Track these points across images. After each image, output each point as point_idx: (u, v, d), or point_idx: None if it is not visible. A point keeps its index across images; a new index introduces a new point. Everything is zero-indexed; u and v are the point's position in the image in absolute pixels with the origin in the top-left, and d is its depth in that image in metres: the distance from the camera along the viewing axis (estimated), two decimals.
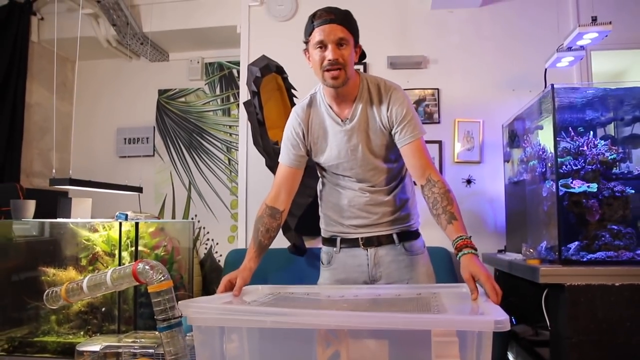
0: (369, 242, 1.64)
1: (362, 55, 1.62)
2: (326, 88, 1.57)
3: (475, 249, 1.42)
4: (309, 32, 1.50)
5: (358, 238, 1.65)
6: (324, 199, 1.74)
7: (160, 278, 1.09)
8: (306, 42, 1.52)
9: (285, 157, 1.65)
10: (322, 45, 1.47)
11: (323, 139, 1.61)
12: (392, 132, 1.56)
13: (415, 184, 1.63)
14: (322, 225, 1.77)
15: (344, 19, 1.49)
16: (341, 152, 1.58)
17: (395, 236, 1.64)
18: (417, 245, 1.69)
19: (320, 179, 1.77)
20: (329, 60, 1.46)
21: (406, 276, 1.64)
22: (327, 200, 1.71)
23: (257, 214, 1.64)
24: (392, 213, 1.64)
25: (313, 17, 1.50)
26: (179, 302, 1.02)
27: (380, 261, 1.64)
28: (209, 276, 3.82)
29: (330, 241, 1.73)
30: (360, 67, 3.14)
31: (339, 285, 1.66)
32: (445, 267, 2.73)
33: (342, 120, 1.58)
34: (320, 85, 1.61)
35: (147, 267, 1.10)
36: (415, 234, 1.71)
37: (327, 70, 1.47)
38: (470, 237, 1.47)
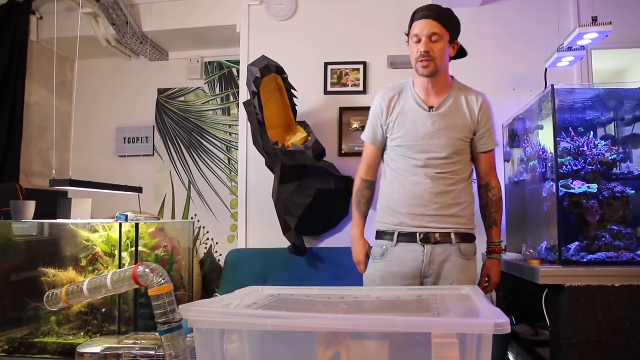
0: (427, 239, 1.69)
1: (462, 52, 1.80)
2: (418, 78, 1.75)
3: (500, 254, 1.79)
4: (409, 26, 1.70)
5: (416, 233, 1.69)
6: (386, 188, 1.80)
7: (161, 281, 1.09)
8: (407, 35, 1.71)
9: (367, 134, 1.84)
10: (418, 39, 1.64)
11: (403, 120, 1.74)
12: (475, 135, 1.74)
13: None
14: (378, 218, 1.81)
15: (441, 16, 1.65)
16: (421, 134, 1.70)
17: (453, 235, 1.69)
18: (471, 250, 1.75)
19: (384, 170, 1.83)
20: (421, 52, 1.63)
21: (453, 277, 1.68)
22: (390, 189, 1.77)
23: (354, 187, 1.86)
24: (453, 207, 1.69)
25: (415, 13, 1.69)
26: (180, 306, 1.02)
27: (435, 259, 1.69)
28: (208, 276, 3.82)
29: (386, 234, 1.76)
30: (361, 67, 3.14)
31: (391, 278, 1.71)
32: None
33: (428, 108, 1.72)
34: (413, 77, 1.79)
35: (147, 270, 1.09)
36: (472, 238, 1.76)
37: (419, 61, 1.65)
38: (501, 242, 1.79)
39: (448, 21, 1.67)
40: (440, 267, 1.69)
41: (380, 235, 1.80)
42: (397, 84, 1.84)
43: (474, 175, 1.87)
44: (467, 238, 1.73)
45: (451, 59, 1.77)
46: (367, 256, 1.82)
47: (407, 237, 1.71)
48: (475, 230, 1.81)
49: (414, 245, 1.70)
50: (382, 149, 1.83)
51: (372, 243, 1.88)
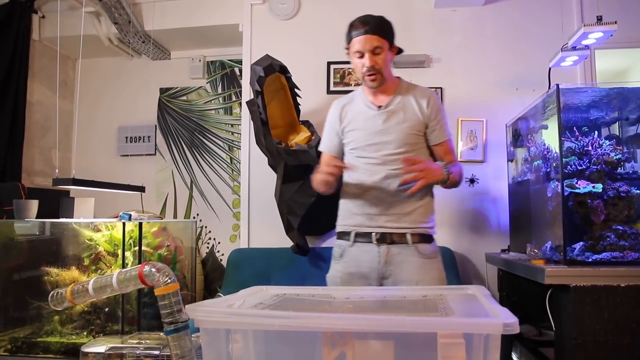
0: (382, 239, 1.69)
1: (399, 51, 1.81)
2: (363, 84, 1.78)
3: (448, 172, 1.69)
4: (348, 40, 1.73)
5: (372, 233, 1.70)
6: (344, 190, 1.81)
7: (167, 281, 1.08)
8: (347, 49, 1.74)
9: (324, 143, 1.89)
10: (360, 54, 1.68)
11: (356, 122, 1.78)
12: (428, 129, 1.76)
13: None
14: (339, 221, 1.83)
15: (378, 28, 1.68)
16: (372, 133, 1.74)
17: (408, 236, 1.68)
18: (430, 249, 1.73)
19: (343, 176, 1.83)
20: (367, 67, 1.67)
21: (415, 278, 1.67)
22: (348, 192, 1.78)
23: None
24: (410, 204, 1.70)
25: (351, 27, 1.71)
26: (186, 306, 1.02)
27: (392, 260, 1.69)
28: (210, 275, 3.81)
29: (344, 234, 1.78)
30: None
31: (349, 279, 1.71)
32: (450, 268, 2.72)
33: (377, 107, 1.76)
34: (361, 86, 1.85)
35: (153, 269, 1.09)
36: (429, 238, 1.75)
37: (367, 75, 1.69)
38: (450, 171, 1.70)
39: (385, 31, 1.71)
40: (399, 268, 1.68)
41: (339, 236, 1.82)
42: (349, 94, 1.90)
43: None
44: (425, 238, 1.73)
45: None
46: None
47: (364, 237, 1.72)
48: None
49: (369, 246, 1.70)
50: (340, 157, 1.87)
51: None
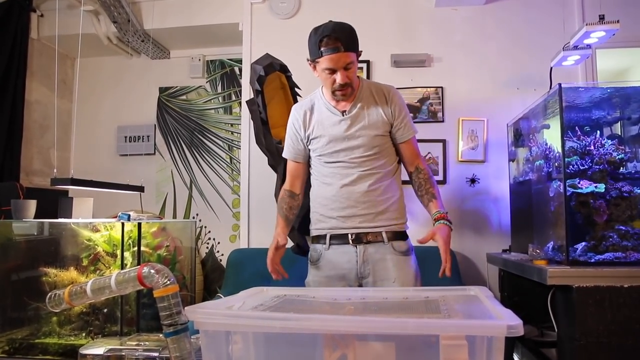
0: (358, 239, 1.70)
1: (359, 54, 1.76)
2: (327, 90, 1.74)
3: (450, 222, 1.68)
4: (316, 55, 1.64)
5: (347, 234, 1.71)
6: (315, 195, 1.82)
7: (166, 282, 1.07)
8: (312, 61, 1.67)
9: (287, 150, 1.87)
10: (332, 71, 1.64)
11: (321, 129, 1.76)
12: (392, 127, 1.75)
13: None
14: (312, 225, 1.84)
15: (349, 43, 1.63)
16: (339, 139, 1.73)
17: (384, 234, 1.70)
18: (405, 246, 1.75)
19: (312, 181, 1.86)
20: (340, 84, 1.65)
21: (393, 275, 1.69)
22: (318, 195, 1.79)
23: (279, 197, 1.88)
24: (382, 203, 1.71)
25: (320, 42, 1.61)
26: (186, 307, 1.00)
27: (369, 259, 1.70)
28: (210, 276, 3.80)
29: (319, 238, 1.79)
30: (364, 65, 3.12)
31: (329, 282, 1.72)
32: (451, 268, 2.71)
33: (341, 112, 1.74)
34: (321, 87, 1.80)
35: (152, 271, 1.07)
36: (404, 235, 1.77)
37: (339, 90, 1.67)
38: (446, 212, 1.71)
39: (355, 44, 1.66)
40: (376, 266, 1.70)
41: (314, 240, 1.82)
42: (307, 98, 1.86)
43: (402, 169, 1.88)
44: (399, 235, 1.74)
45: None
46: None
47: (339, 239, 1.73)
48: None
49: (346, 247, 1.71)
50: (306, 162, 1.86)
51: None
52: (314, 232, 1.82)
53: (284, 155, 1.90)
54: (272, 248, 1.73)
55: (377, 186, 1.71)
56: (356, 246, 1.70)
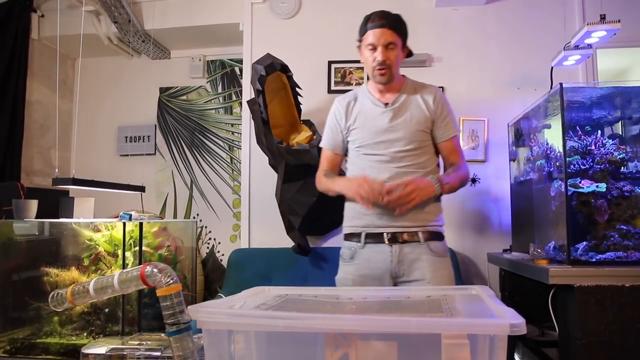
0: (394, 239, 1.68)
1: (409, 54, 1.83)
2: (371, 83, 1.79)
3: (439, 183, 1.67)
4: (362, 32, 1.72)
5: (383, 233, 1.69)
6: None
7: (169, 281, 1.07)
8: (359, 41, 1.74)
9: (326, 141, 1.87)
10: (373, 47, 1.68)
11: (362, 120, 1.77)
12: (434, 126, 1.76)
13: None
14: (346, 222, 1.81)
15: (394, 24, 1.68)
16: (380, 130, 1.73)
17: (420, 234, 1.68)
18: (441, 248, 1.73)
19: (348, 173, 1.84)
20: (378, 61, 1.67)
21: (428, 276, 1.66)
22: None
23: (320, 174, 1.86)
24: (420, 204, 1.67)
25: (367, 20, 1.70)
26: (189, 307, 1.00)
27: (404, 259, 1.68)
28: (211, 276, 3.80)
29: (353, 236, 1.75)
30: (364, 66, 3.12)
31: (362, 280, 1.69)
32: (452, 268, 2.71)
33: (384, 105, 1.75)
34: (366, 83, 1.85)
35: (155, 270, 1.07)
36: (440, 236, 1.75)
37: (377, 69, 1.68)
38: (447, 183, 1.69)
39: (401, 28, 1.71)
40: (411, 267, 1.68)
41: (348, 237, 1.79)
42: (351, 91, 1.89)
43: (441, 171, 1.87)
44: (436, 236, 1.72)
45: None
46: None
47: (375, 238, 1.70)
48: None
49: (381, 246, 1.69)
50: (342, 154, 1.87)
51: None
52: (347, 229, 1.79)
53: (321, 145, 1.90)
54: (365, 182, 1.61)
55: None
56: (392, 245, 1.68)
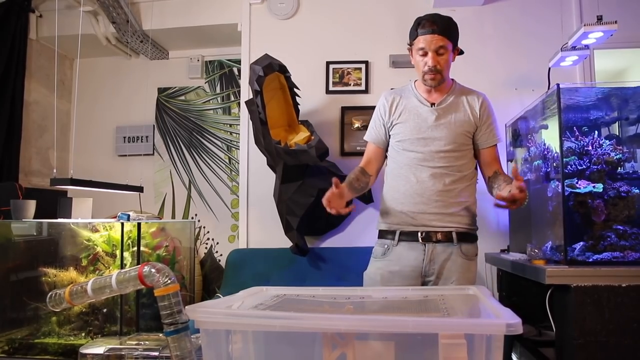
0: (428, 238, 1.70)
1: (460, 52, 1.83)
2: (420, 82, 1.80)
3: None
4: (413, 37, 1.73)
5: (417, 232, 1.71)
6: (388, 188, 1.82)
7: (167, 281, 1.07)
8: (410, 44, 1.76)
9: (370, 134, 1.89)
10: (424, 52, 1.69)
11: (406, 116, 1.78)
12: (477, 131, 1.78)
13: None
14: (380, 218, 1.83)
15: (445, 29, 1.69)
16: (423, 127, 1.75)
17: (454, 234, 1.70)
18: (472, 250, 1.76)
19: (387, 170, 1.87)
20: (429, 66, 1.69)
21: (455, 276, 1.70)
22: (392, 188, 1.79)
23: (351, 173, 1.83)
24: (454, 205, 1.71)
25: (418, 25, 1.72)
26: (187, 307, 1.01)
27: (436, 258, 1.70)
28: (209, 276, 3.80)
29: (388, 233, 1.78)
30: (362, 66, 3.12)
31: (391, 277, 1.71)
32: None
33: (430, 104, 1.78)
34: (414, 80, 1.87)
35: (153, 270, 1.08)
36: (474, 237, 1.78)
37: (427, 74, 1.71)
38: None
39: (452, 33, 1.72)
40: (442, 267, 1.70)
41: (382, 234, 1.82)
42: (400, 87, 1.91)
43: (479, 177, 1.88)
44: (469, 238, 1.75)
45: None
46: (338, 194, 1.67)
47: (409, 236, 1.73)
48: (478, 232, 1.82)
49: (415, 244, 1.72)
50: (384, 149, 1.88)
51: (372, 243, 1.88)
52: (382, 226, 1.82)
53: (367, 138, 1.92)
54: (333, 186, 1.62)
55: (452, 187, 1.71)
56: (425, 244, 1.70)
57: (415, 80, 1.87)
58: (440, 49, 1.68)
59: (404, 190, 1.74)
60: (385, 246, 1.77)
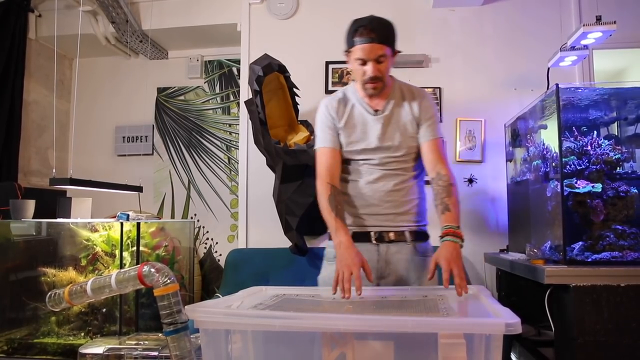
0: (381, 238, 1.68)
1: (397, 52, 1.75)
2: (360, 86, 1.72)
3: (459, 238, 1.53)
4: (350, 44, 1.65)
5: (370, 232, 1.69)
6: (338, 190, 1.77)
7: (166, 281, 1.07)
8: (347, 52, 1.68)
9: (325, 139, 1.75)
10: (363, 62, 1.62)
11: (353, 126, 1.73)
12: (419, 127, 1.72)
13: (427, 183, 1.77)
14: None
15: (384, 37, 1.62)
16: (371, 137, 1.70)
17: (407, 234, 1.68)
18: (427, 248, 1.73)
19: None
20: (370, 76, 1.63)
21: (415, 275, 1.67)
22: (342, 191, 1.74)
23: (324, 193, 1.67)
24: (405, 204, 1.69)
25: (355, 32, 1.63)
26: (186, 306, 1.01)
27: (391, 259, 1.68)
28: (208, 276, 3.80)
29: None
30: None
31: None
32: None
33: (374, 111, 1.72)
34: (353, 83, 1.79)
35: (152, 270, 1.08)
36: (426, 235, 1.75)
37: (368, 83, 1.65)
38: (458, 227, 1.56)
39: (390, 39, 1.66)
40: (397, 267, 1.67)
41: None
42: (339, 91, 1.82)
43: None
44: (422, 236, 1.73)
45: None
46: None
47: (361, 237, 1.69)
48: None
49: (368, 245, 1.68)
50: (340, 150, 1.77)
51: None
52: None
53: (322, 144, 1.76)
54: (357, 267, 1.47)
55: (401, 187, 1.69)
56: (378, 245, 1.68)
57: (356, 82, 1.78)
58: (380, 58, 1.62)
59: (355, 193, 1.72)
60: None
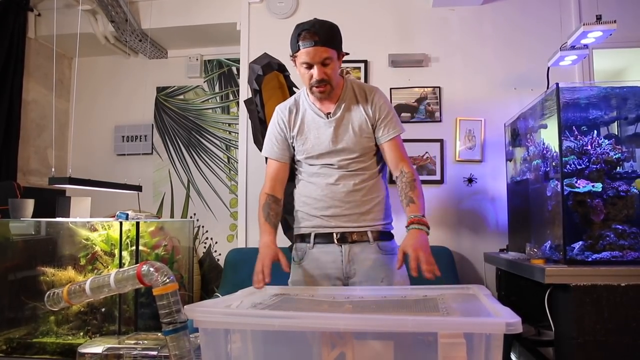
0: (344, 239, 1.68)
1: (345, 54, 1.74)
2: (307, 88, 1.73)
3: (425, 226, 1.55)
4: (295, 49, 1.65)
5: (332, 233, 1.69)
6: (298, 195, 1.80)
7: (166, 280, 1.07)
8: (292, 56, 1.67)
9: (271, 151, 1.79)
10: (309, 66, 1.62)
11: (306, 132, 1.73)
12: (375, 128, 1.71)
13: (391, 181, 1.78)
14: (295, 224, 1.82)
15: (328, 39, 1.61)
16: (325, 141, 1.70)
17: (369, 234, 1.68)
18: (390, 246, 1.73)
19: (296, 179, 1.83)
20: (316, 80, 1.62)
21: (381, 274, 1.67)
22: (302, 195, 1.77)
23: (260, 201, 1.81)
24: (366, 203, 1.69)
25: (298, 36, 1.62)
26: (185, 306, 1.00)
27: (355, 258, 1.68)
28: (207, 275, 3.80)
29: (303, 237, 1.76)
30: (362, 65, 3.12)
31: (313, 281, 1.69)
32: (448, 267, 2.72)
33: (326, 115, 1.71)
34: (304, 88, 1.77)
35: (152, 269, 1.07)
36: (389, 235, 1.75)
37: (315, 87, 1.63)
38: (423, 215, 1.58)
39: (335, 41, 1.65)
40: (362, 266, 1.67)
41: (297, 239, 1.79)
42: (291, 98, 1.83)
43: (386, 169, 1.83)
44: (385, 236, 1.72)
45: None
46: (271, 267, 1.65)
47: (324, 238, 1.70)
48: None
49: (331, 246, 1.69)
50: (289, 163, 1.81)
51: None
52: (297, 231, 1.79)
53: (265, 154, 1.83)
54: (268, 258, 1.62)
55: (361, 186, 1.69)
56: (341, 245, 1.67)
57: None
58: (325, 60, 1.61)
59: (315, 195, 1.71)
60: (302, 250, 1.74)
